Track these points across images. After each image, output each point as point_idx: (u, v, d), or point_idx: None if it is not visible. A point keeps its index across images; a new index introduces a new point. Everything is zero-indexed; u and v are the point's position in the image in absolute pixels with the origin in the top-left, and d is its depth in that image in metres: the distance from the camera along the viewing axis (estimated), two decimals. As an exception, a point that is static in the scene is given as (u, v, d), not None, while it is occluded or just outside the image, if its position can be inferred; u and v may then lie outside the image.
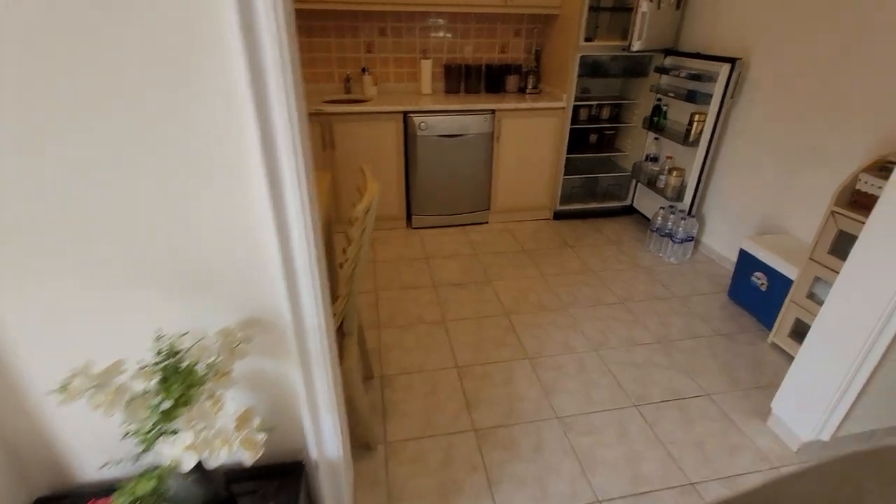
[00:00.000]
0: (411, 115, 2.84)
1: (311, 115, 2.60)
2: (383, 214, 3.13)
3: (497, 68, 3.29)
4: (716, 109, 2.50)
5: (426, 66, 3.16)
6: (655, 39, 2.70)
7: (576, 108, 3.31)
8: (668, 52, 2.89)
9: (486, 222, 3.33)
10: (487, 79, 3.32)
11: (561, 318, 2.27)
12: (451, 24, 3.19)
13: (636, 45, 2.49)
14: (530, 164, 3.17)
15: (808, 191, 2.19)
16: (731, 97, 2.47)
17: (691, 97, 2.61)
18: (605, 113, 3.46)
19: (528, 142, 3.09)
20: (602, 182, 3.61)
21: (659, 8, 2.55)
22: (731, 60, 2.38)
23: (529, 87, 3.33)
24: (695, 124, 2.64)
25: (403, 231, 3.18)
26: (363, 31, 3.11)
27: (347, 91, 3.18)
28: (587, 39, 2.90)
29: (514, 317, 2.28)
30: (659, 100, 2.99)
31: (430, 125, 2.88)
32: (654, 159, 3.10)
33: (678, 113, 2.91)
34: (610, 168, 3.52)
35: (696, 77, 2.55)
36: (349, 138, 2.83)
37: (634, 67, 3.18)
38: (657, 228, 2.87)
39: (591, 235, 3.17)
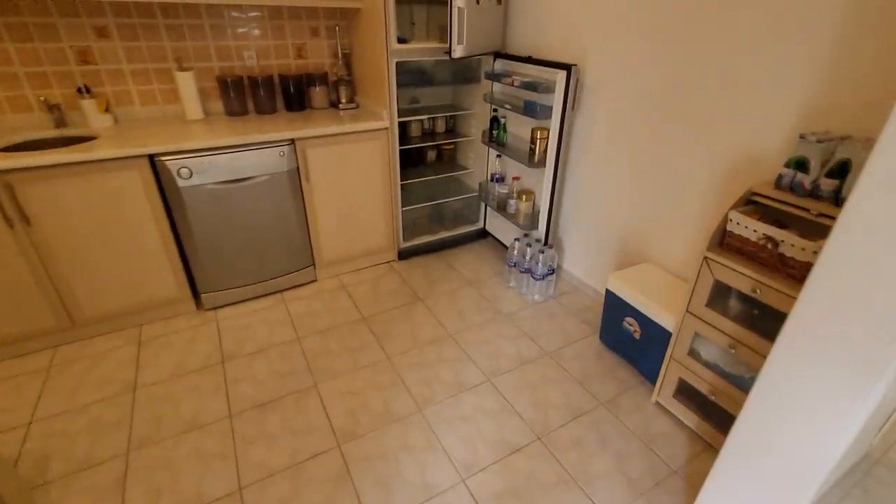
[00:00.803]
0: (162, 158, 1.91)
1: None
2: (153, 299, 2.15)
3: (296, 79, 2.50)
4: (558, 125, 2.11)
5: (186, 81, 2.22)
6: (480, 41, 2.21)
7: (404, 124, 2.70)
8: (498, 55, 2.45)
9: (314, 280, 2.57)
10: (286, 94, 2.52)
11: (415, 431, 1.66)
12: (215, 20, 2.29)
13: (458, 51, 1.96)
14: (357, 201, 2.49)
15: (672, 214, 1.92)
16: (573, 109, 2.10)
17: (529, 110, 2.19)
18: (441, 126, 2.94)
19: (350, 173, 2.39)
20: (449, 207, 3.10)
21: (478, 3, 2.05)
22: (567, 67, 1.99)
23: (343, 100, 2.62)
24: (538, 142, 2.23)
25: (192, 318, 2.24)
26: (68, 32, 2.03)
27: (60, 125, 2.08)
28: (401, 41, 2.29)
29: (351, 446, 1.60)
30: (495, 111, 2.54)
31: (199, 170, 1.99)
32: (501, 179, 2.67)
33: (519, 126, 2.50)
34: (456, 189, 3.02)
35: (530, 86, 2.13)
36: (58, 206, 1.79)
37: (464, 73, 2.69)
38: (515, 263, 2.45)
39: (445, 277, 2.63)
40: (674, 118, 1.78)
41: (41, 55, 2.02)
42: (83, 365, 1.93)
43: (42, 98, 2.05)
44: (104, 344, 2.05)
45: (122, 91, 2.22)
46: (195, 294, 2.27)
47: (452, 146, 3.02)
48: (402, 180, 2.63)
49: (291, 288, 2.50)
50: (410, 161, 2.93)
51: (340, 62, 2.58)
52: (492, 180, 2.69)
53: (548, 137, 2.20)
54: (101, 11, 2.06)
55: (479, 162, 2.84)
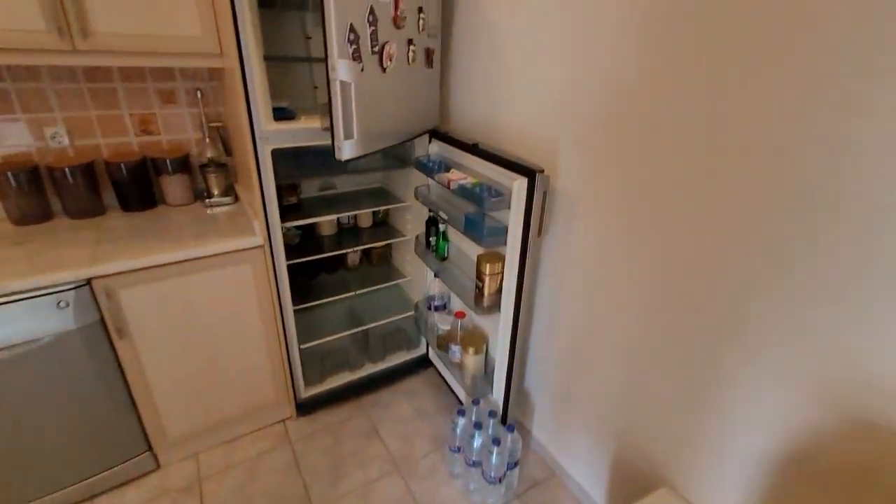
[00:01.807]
0: None
1: None
2: None
3: (135, 165, 1.67)
4: (516, 258, 1.33)
5: (-78, 180, 1.37)
6: (393, 125, 1.42)
7: (308, 225, 1.91)
8: (434, 134, 1.69)
9: (157, 468, 1.67)
10: (119, 186, 1.68)
11: None
12: (28, 83, 1.47)
13: (346, 150, 1.15)
14: (221, 346, 1.63)
15: (705, 417, 1.13)
16: (539, 234, 1.32)
17: (472, 230, 1.41)
18: (366, 219, 2.14)
19: (203, 311, 1.55)
20: (376, 330, 2.25)
21: (376, 69, 1.29)
22: (529, 171, 1.23)
23: (216, 192, 1.81)
24: (487, 279, 1.44)
25: None
26: None
27: None
28: (285, 115, 1.51)
29: None
30: (433, 215, 1.76)
31: None
32: (442, 307, 1.87)
33: (465, 240, 1.72)
34: (389, 304, 2.20)
35: (472, 196, 1.35)
36: None
37: (395, 151, 1.92)
38: (459, 448, 1.61)
39: (362, 452, 1.76)
40: (698, 264, 1.01)
41: None
42: None
43: None
44: None
45: None
46: (-87, 533, 1.34)
47: (385, 246, 2.22)
48: (303, 302, 1.80)
49: (116, 488, 1.60)
50: (325, 266, 2.11)
51: (208, 139, 1.77)
52: (429, 307, 1.88)
53: (501, 273, 1.41)
54: None
55: (420, 268, 2.03)
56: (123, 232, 1.54)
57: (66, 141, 1.62)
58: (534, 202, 1.25)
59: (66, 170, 1.56)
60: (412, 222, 2.00)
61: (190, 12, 1.42)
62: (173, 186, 1.76)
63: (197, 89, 1.74)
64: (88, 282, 1.32)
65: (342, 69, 1.07)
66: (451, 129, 1.78)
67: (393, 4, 1.23)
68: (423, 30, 1.41)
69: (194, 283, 1.49)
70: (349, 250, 2.01)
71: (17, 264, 1.29)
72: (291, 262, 1.73)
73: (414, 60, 1.39)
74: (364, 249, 2.19)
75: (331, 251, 1.91)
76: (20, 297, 1.24)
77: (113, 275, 1.34)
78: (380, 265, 2.28)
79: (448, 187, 1.47)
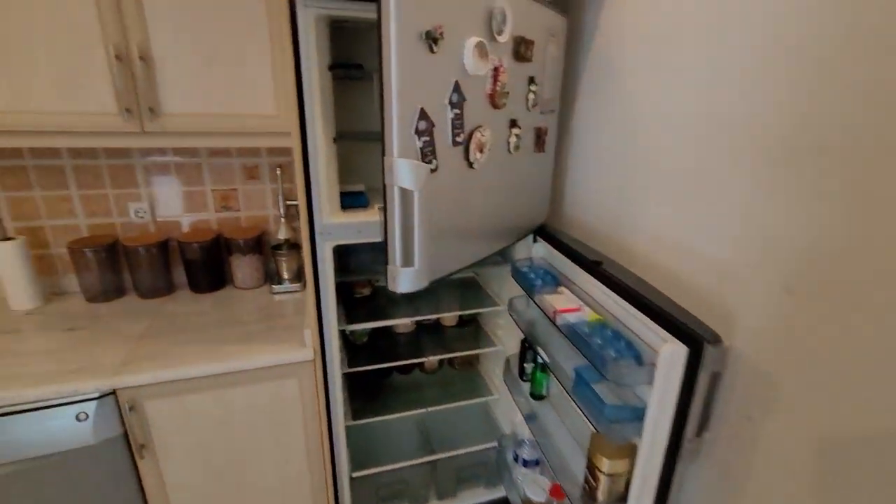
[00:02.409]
0: None
1: None
2: None
3: (208, 244, 1.54)
4: (656, 469, 0.81)
5: (7, 255, 1.36)
6: (476, 239, 1.04)
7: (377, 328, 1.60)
8: (542, 231, 1.27)
9: None
10: (190, 266, 1.56)
11: None
12: (84, 159, 1.45)
13: (403, 282, 0.79)
14: (260, 470, 1.35)
15: None
16: (699, 434, 0.79)
17: (584, 399, 0.92)
18: (451, 317, 1.76)
19: (241, 432, 1.29)
20: (452, 463, 1.78)
21: (467, 165, 0.92)
22: (692, 337, 0.73)
23: (286, 276, 1.62)
24: (602, 480, 0.93)
25: None
26: None
27: None
28: (356, 202, 1.24)
29: None
30: (527, 344, 1.31)
31: None
32: (534, 463, 1.37)
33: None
34: (468, 421, 1.76)
35: (587, 350, 0.88)
36: None
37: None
38: None
39: None
40: None
41: None
42: None
43: None
44: None
45: (-79, 263, 1.43)
46: None
47: (471, 327, 1.82)
48: (361, 416, 1.48)
49: None
50: (398, 366, 1.77)
51: (283, 218, 1.59)
52: (515, 458, 1.40)
53: (627, 476, 0.89)
54: None
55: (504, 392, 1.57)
56: (176, 323, 1.37)
57: (148, 216, 1.56)
58: (696, 385, 0.75)
59: (142, 249, 1.47)
60: (506, 329, 1.57)
61: (266, 90, 1.25)
62: (243, 268, 1.59)
63: (278, 165, 1.58)
64: (113, 392, 1.14)
65: (403, 172, 0.73)
66: (563, 226, 1.35)
67: (490, 77, 0.88)
68: (533, 106, 1.03)
69: (230, 396, 1.24)
70: (425, 359, 1.64)
71: (46, 363, 1.16)
72: (352, 370, 1.43)
73: (518, 147, 1.01)
74: (449, 358, 1.80)
75: (404, 356, 1.56)
76: (37, 406, 1.09)
77: (140, 386, 1.14)
78: (464, 370, 1.87)
79: (553, 320, 1.02)
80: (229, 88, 1.23)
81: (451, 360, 1.87)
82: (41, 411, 1.09)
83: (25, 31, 1.07)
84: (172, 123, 1.21)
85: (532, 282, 1.17)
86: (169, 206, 1.57)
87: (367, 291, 1.59)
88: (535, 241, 1.30)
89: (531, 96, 1.01)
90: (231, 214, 1.64)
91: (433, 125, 0.77)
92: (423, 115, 0.75)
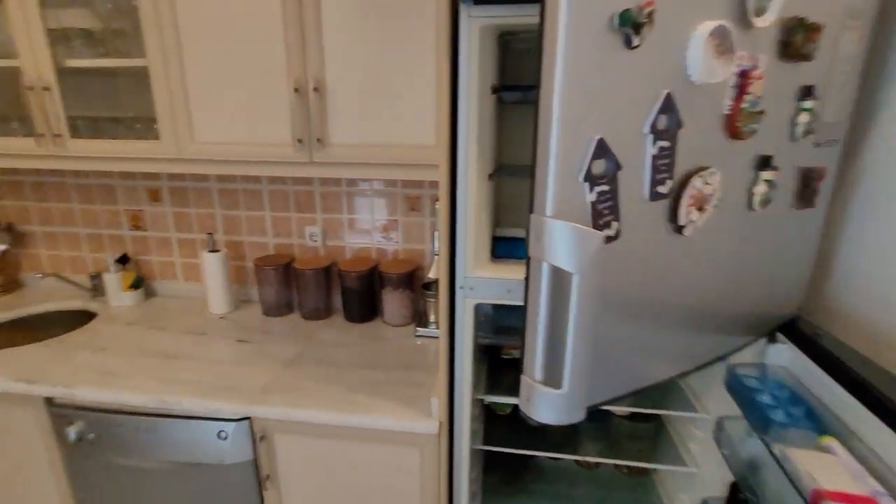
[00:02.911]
0: (58, 403, 1.20)
1: None
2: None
3: (363, 275, 1.51)
4: None
5: (212, 264, 1.56)
6: (674, 342, 0.66)
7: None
8: (790, 328, 0.80)
9: None
10: (347, 294, 1.56)
11: None
12: (277, 185, 1.59)
13: (541, 409, 0.51)
14: (367, 542, 1.21)
15: None
16: None
17: None
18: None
19: (358, 480, 1.17)
20: None
21: (673, 232, 0.57)
22: None
23: (432, 318, 1.48)
24: None
25: None
26: (124, 193, 1.69)
27: (97, 294, 1.72)
28: (506, 252, 1.00)
29: None
30: (742, 496, 0.84)
31: (102, 429, 1.19)
32: None
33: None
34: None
35: None
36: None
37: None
38: None
39: None
40: None
41: (99, 217, 1.73)
42: None
43: (98, 265, 1.76)
44: None
45: (163, 264, 1.75)
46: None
47: (650, 424, 1.36)
48: (488, 502, 1.21)
49: None
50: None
51: (437, 256, 1.45)
52: None
53: None
54: (157, 174, 1.64)
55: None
56: (321, 353, 1.35)
57: (319, 241, 1.62)
58: None
59: (309, 271, 1.53)
60: (705, 445, 1.10)
61: (426, 119, 1.12)
62: (393, 303, 1.51)
63: (436, 199, 1.46)
64: (249, 418, 1.14)
65: (558, 242, 0.45)
66: (830, 322, 0.84)
67: (734, 87, 0.53)
68: (805, 134, 0.62)
69: (352, 449, 1.13)
70: (580, 458, 1.27)
71: (210, 374, 1.23)
72: (485, 447, 1.18)
73: (767, 201, 0.62)
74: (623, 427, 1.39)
75: (553, 445, 1.23)
76: (190, 415, 1.15)
77: (268, 419, 1.12)
78: (634, 476, 1.42)
79: (808, 505, 0.58)
80: (391, 119, 1.14)
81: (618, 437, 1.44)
82: (194, 421, 1.15)
83: (228, 73, 1.17)
84: (337, 153, 1.19)
85: (766, 411, 0.73)
86: (338, 232, 1.61)
87: (518, 354, 1.32)
88: (771, 340, 0.83)
89: (803, 119, 0.61)
90: (389, 246, 1.59)
91: (618, 167, 0.48)
92: (603, 149, 0.46)
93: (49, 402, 1.20)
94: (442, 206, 0.91)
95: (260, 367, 1.28)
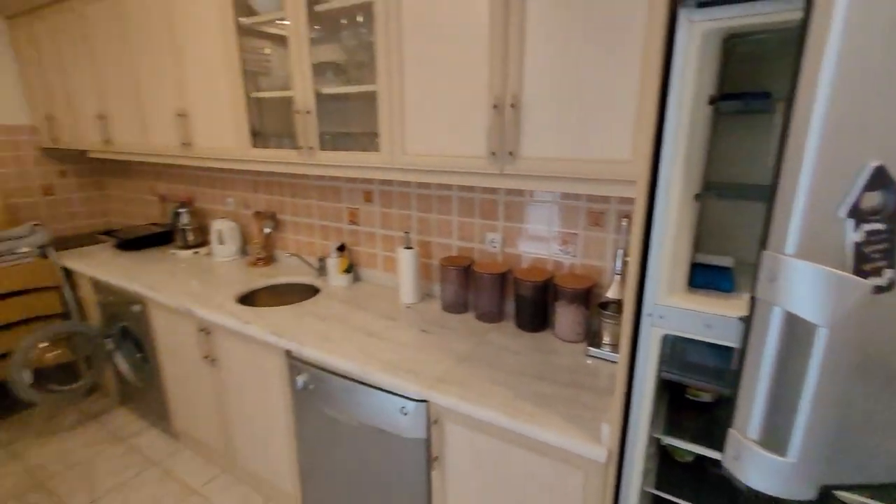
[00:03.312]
0: (293, 356, 1.54)
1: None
2: (271, 478, 1.85)
3: (537, 286, 1.53)
4: None
5: (406, 261, 1.78)
6: None
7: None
8: None
9: None
10: (520, 302, 1.59)
11: None
12: (466, 192, 1.71)
13: (758, 477, 0.43)
14: (518, 549, 1.22)
15: None
16: None
17: None
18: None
19: (518, 484, 1.19)
20: None
21: None
22: None
23: (606, 340, 1.41)
24: None
25: (289, 533, 1.78)
26: (346, 194, 2.06)
27: (322, 274, 2.15)
28: (705, 282, 0.89)
29: None
30: None
31: (319, 382, 1.49)
32: None
33: None
34: None
35: None
36: (231, 359, 1.78)
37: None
38: None
39: None
40: None
41: (329, 212, 2.14)
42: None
43: (322, 253, 2.19)
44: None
45: (369, 255, 2.06)
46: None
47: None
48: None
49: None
50: None
51: (617, 276, 1.37)
52: None
53: None
54: (372, 179, 1.95)
55: None
56: (491, 355, 1.42)
57: (499, 247, 1.69)
58: None
59: (487, 275, 1.62)
60: None
61: (623, 134, 1.07)
62: (565, 318, 1.49)
63: (625, 215, 1.37)
64: (426, 401, 1.27)
65: (803, 287, 0.38)
66: None
67: None
68: None
69: (514, 454, 1.16)
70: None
71: (397, 354, 1.41)
72: (657, 492, 1.07)
73: None
74: None
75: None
76: (381, 387, 1.34)
77: (442, 406, 1.23)
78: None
79: None
80: (586, 133, 1.13)
81: None
82: (384, 393, 1.34)
83: (437, 94, 1.32)
84: (527, 166, 1.22)
85: None
86: (516, 240, 1.66)
87: (707, 397, 1.16)
88: None
89: None
90: (567, 259, 1.57)
91: (901, 201, 0.38)
92: (882, 178, 0.37)
93: (288, 353, 1.55)
94: (636, 225, 0.86)
95: (437, 357, 1.41)
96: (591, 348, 1.40)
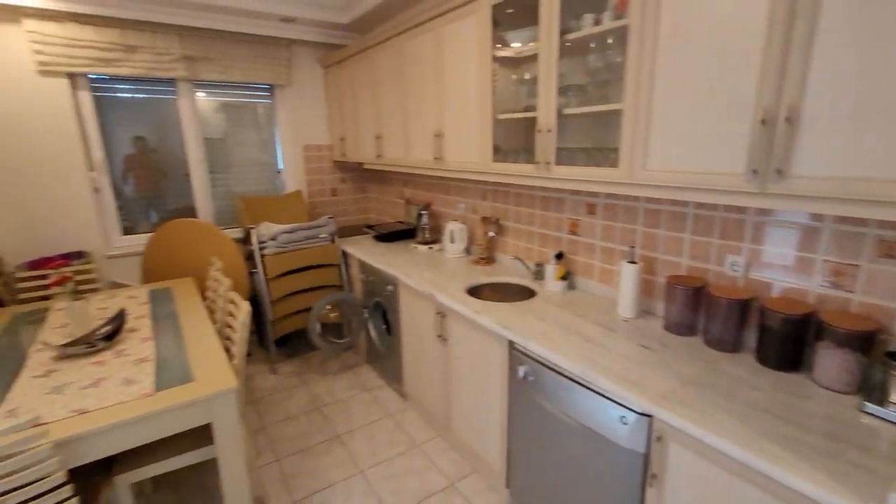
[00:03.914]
0: (517, 347, 1.73)
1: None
2: (481, 455, 2.10)
3: (794, 320, 1.34)
4: None
5: (628, 274, 1.79)
6: None
7: None
8: None
9: None
10: (765, 334, 1.43)
11: None
12: (706, 210, 1.61)
13: None
14: None
15: None
16: None
17: None
18: None
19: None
20: None
21: None
22: None
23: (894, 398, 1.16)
24: None
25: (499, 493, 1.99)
26: (570, 205, 2.17)
27: (538, 278, 2.32)
28: None
29: None
30: None
31: (536, 376, 1.64)
32: None
33: None
34: None
35: None
36: (458, 337, 2.10)
37: None
38: None
39: None
40: None
41: (550, 222, 2.29)
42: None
43: (540, 259, 2.36)
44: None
45: (586, 265, 2.12)
46: (508, 484, 1.96)
47: None
48: None
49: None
50: None
51: (923, 323, 1.10)
52: None
53: None
54: (596, 192, 2.02)
55: None
56: (724, 385, 1.32)
57: (741, 271, 1.55)
58: None
59: (724, 300, 1.51)
60: None
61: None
62: (831, 362, 1.28)
63: (940, 248, 1.10)
64: (650, 416, 1.28)
65: None
66: None
67: None
68: None
69: (749, 494, 1.08)
70: None
71: (617, 364, 1.44)
72: None
73: None
74: None
75: None
76: (601, 392, 1.40)
77: (668, 424, 1.22)
78: None
79: None
80: (887, 146, 0.96)
81: None
82: (603, 399, 1.40)
83: (689, 110, 1.30)
84: (798, 186, 1.11)
85: None
86: (766, 266, 1.49)
87: None
88: None
89: None
90: (839, 294, 1.33)
91: None
92: None
93: (511, 344, 1.75)
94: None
95: (660, 374, 1.39)
96: (867, 403, 1.17)
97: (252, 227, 3.01)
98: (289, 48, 3.38)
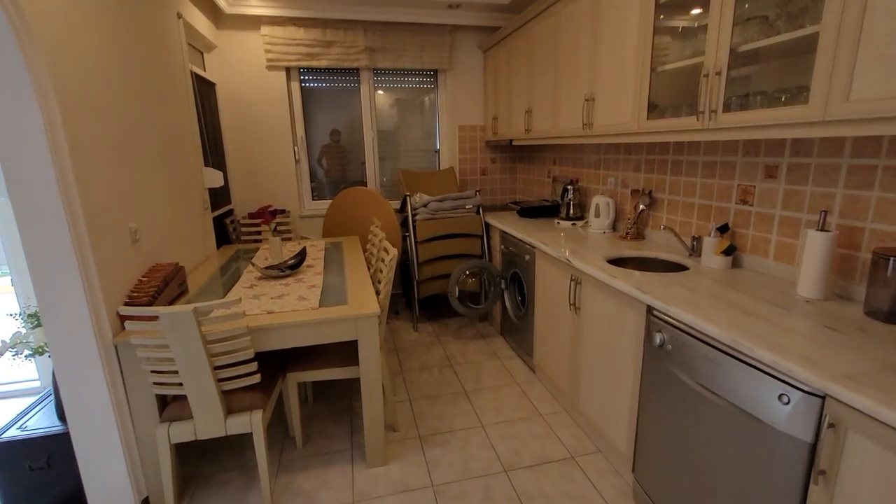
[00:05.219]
0: (655, 313, 1.57)
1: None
2: (608, 437, 1.97)
3: None
4: None
5: (813, 243, 1.46)
6: None
7: None
8: None
9: None
10: None
11: None
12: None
13: None
14: None
15: None
16: None
17: None
18: None
19: None
20: None
21: None
22: None
23: None
24: None
25: (622, 480, 1.83)
26: (742, 169, 1.85)
27: (693, 253, 2.06)
28: None
29: None
30: None
31: (674, 344, 1.46)
32: None
33: None
34: None
35: None
36: (590, 306, 1.99)
37: None
38: None
39: None
40: None
41: (715, 190, 1.99)
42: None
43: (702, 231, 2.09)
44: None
45: (759, 238, 1.79)
46: (633, 469, 1.79)
47: None
48: None
49: None
50: None
51: None
52: None
53: None
54: (780, 150, 1.68)
55: None
56: (953, 378, 0.99)
57: None
58: None
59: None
60: None
61: None
62: None
63: None
64: (823, 396, 1.03)
65: None
66: None
67: None
68: None
69: None
70: None
71: (785, 338, 1.19)
72: None
73: None
74: None
75: None
76: (758, 366, 1.18)
77: (850, 407, 0.97)
78: None
79: None
80: None
81: None
82: (759, 372, 1.18)
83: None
84: None
85: None
86: None
87: None
88: None
89: None
90: None
91: None
92: None
93: (650, 309, 1.60)
94: None
95: (845, 356, 1.11)
96: None
97: (408, 195, 3.34)
98: (451, 34, 3.63)
